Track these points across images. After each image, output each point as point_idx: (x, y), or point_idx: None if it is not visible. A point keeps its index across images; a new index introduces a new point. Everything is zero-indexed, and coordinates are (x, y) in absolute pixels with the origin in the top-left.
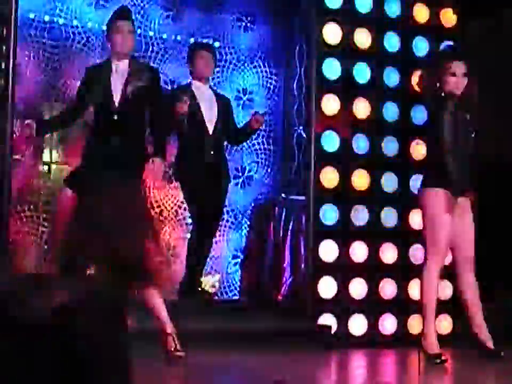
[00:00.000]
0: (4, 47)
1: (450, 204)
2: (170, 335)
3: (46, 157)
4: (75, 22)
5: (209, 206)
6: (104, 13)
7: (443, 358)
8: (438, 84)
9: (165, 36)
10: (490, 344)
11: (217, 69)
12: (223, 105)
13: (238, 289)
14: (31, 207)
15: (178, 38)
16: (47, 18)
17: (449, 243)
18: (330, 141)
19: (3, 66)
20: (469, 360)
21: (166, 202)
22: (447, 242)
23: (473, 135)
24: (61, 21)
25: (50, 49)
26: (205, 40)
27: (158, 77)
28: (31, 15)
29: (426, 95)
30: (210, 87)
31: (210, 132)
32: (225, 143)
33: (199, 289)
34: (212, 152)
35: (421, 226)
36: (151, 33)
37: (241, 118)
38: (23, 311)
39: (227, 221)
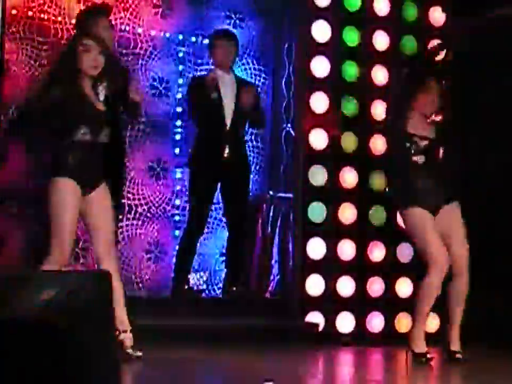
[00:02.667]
0: None
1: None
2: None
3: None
4: (62, 19)
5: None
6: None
7: (429, 356)
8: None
9: (153, 33)
10: (454, 346)
11: (207, 66)
12: (243, 91)
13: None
14: (19, 203)
15: (167, 35)
16: (30, 14)
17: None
18: (319, 139)
19: None
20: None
21: (154, 199)
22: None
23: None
24: (50, 18)
25: (39, 45)
26: (193, 38)
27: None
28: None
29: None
30: (235, 75)
31: (228, 125)
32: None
33: (186, 287)
34: (228, 149)
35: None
36: (139, 30)
37: None
38: (6, 310)
39: (215, 218)
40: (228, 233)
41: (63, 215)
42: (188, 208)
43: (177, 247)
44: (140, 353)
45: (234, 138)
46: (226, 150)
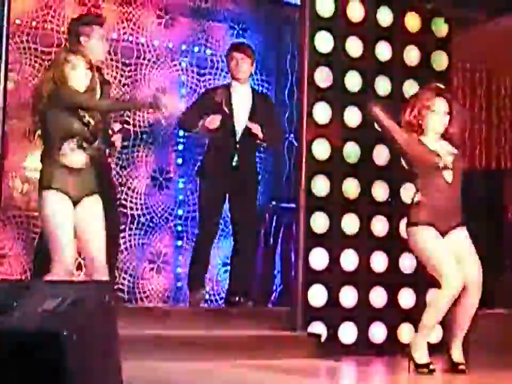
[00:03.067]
0: None
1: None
2: None
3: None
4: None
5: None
6: None
7: (432, 367)
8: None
9: (156, 43)
10: (456, 357)
11: (209, 76)
12: (261, 105)
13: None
14: (20, 213)
15: (170, 45)
16: (34, 24)
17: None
18: (321, 149)
19: None
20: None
21: (157, 209)
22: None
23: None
24: (53, 28)
25: (42, 55)
26: (196, 48)
27: None
28: (17, 21)
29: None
30: (252, 87)
31: (238, 136)
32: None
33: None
34: (237, 157)
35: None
36: (142, 40)
37: None
38: (7, 319)
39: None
40: (233, 242)
41: (57, 227)
42: (197, 217)
43: (190, 259)
44: None
45: (245, 148)
46: (235, 159)
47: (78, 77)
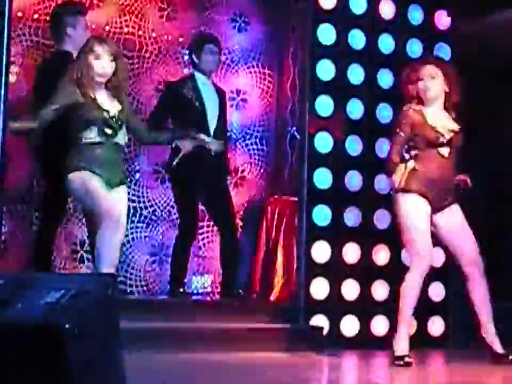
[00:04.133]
0: None
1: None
2: None
3: None
4: None
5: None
6: (96, 12)
7: (408, 360)
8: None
9: (159, 36)
10: (497, 347)
11: None
12: (223, 99)
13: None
14: (23, 204)
15: (172, 38)
16: (36, 16)
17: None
18: (324, 142)
19: None
20: (459, 362)
21: (159, 202)
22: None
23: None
24: None
25: (44, 48)
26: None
27: None
28: (19, 14)
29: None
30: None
31: (212, 132)
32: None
33: (181, 290)
34: (213, 154)
35: None
36: (144, 34)
37: (235, 118)
38: (10, 312)
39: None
40: (220, 238)
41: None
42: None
43: (172, 252)
44: None
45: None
46: (214, 148)
47: (102, 66)
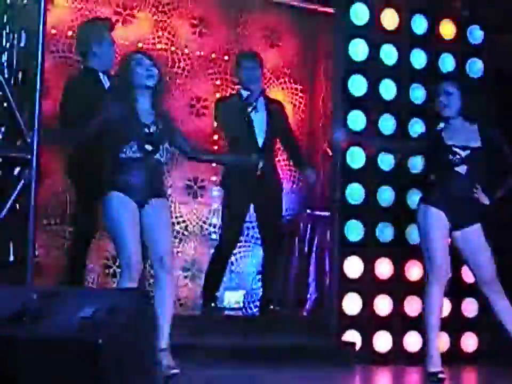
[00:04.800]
0: (34, 63)
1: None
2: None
3: None
4: None
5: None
6: (129, 28)
7: (441, 376)
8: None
9: (191, 52)
10: None
11: None
12: (275, 111)
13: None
14: (57, 220)
15: (205, 53)
16: (69, 33)
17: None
18: (356, 157)
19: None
20: (494, 378)
21: (191, 217)
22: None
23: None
24: None
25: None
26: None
27: None
28: (53, 31)
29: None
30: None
31: (260, 145)
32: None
33: (213, 304)
34: (261, 167)
35: None
36: (177, 49)
37: None
38: (45, 326)
39: (252, 236)
40: (263, 251)
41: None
42: (220, 225)
43: (208, 265)
44: (176, 371)
45: (268, 155)
46: (260, 165)
47: (142, 72)
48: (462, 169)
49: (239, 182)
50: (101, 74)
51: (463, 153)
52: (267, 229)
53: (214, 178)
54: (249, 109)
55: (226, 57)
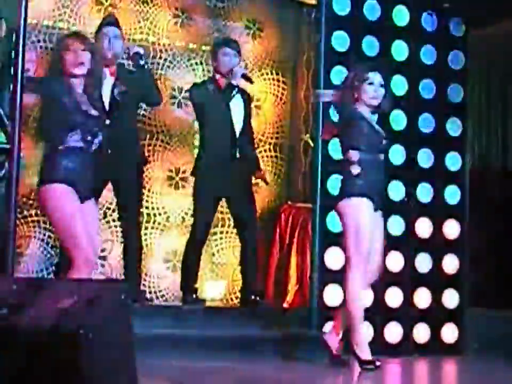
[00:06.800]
0: (13, 53)
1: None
2: None
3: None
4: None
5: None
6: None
7: (377, 364)
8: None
9: (172, 43)
10: None
11: None
12: (247, 100)
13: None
14: (38, 212)
15: (186, 44)
16: (50, 23)
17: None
18: (337, 149)
19: (12, 72)
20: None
21: (173, 208)
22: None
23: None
24: (69, 27)
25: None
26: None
27: None
28: (34, 21)
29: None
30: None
31: (238, 134)
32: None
33: (194, 296)
34: (238, 156)
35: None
36: (158, 40)
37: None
38: (23, 317)
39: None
40: (240, 243)
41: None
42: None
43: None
44: None
45: (243, 143)
46: (236, 151)
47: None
48: None
49: (210, 170)
50: None
51: None
52: (240, 219)
53: None
54: (229, 95)
55: (208, 48)
